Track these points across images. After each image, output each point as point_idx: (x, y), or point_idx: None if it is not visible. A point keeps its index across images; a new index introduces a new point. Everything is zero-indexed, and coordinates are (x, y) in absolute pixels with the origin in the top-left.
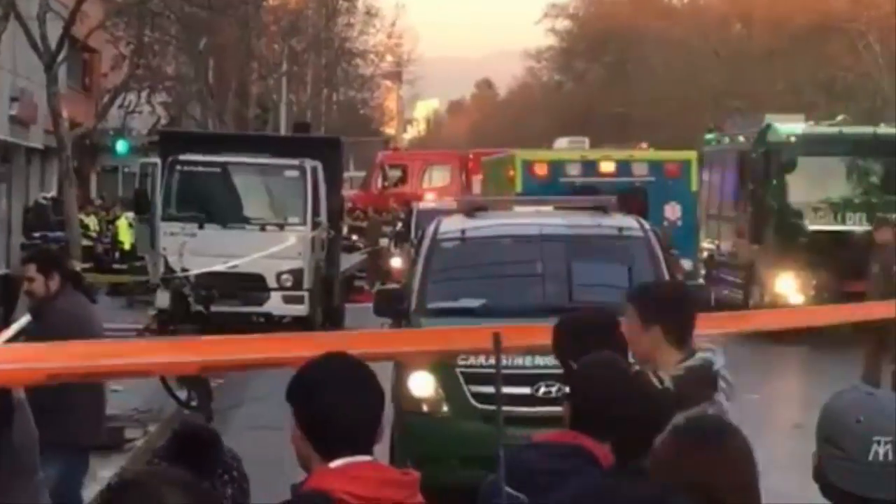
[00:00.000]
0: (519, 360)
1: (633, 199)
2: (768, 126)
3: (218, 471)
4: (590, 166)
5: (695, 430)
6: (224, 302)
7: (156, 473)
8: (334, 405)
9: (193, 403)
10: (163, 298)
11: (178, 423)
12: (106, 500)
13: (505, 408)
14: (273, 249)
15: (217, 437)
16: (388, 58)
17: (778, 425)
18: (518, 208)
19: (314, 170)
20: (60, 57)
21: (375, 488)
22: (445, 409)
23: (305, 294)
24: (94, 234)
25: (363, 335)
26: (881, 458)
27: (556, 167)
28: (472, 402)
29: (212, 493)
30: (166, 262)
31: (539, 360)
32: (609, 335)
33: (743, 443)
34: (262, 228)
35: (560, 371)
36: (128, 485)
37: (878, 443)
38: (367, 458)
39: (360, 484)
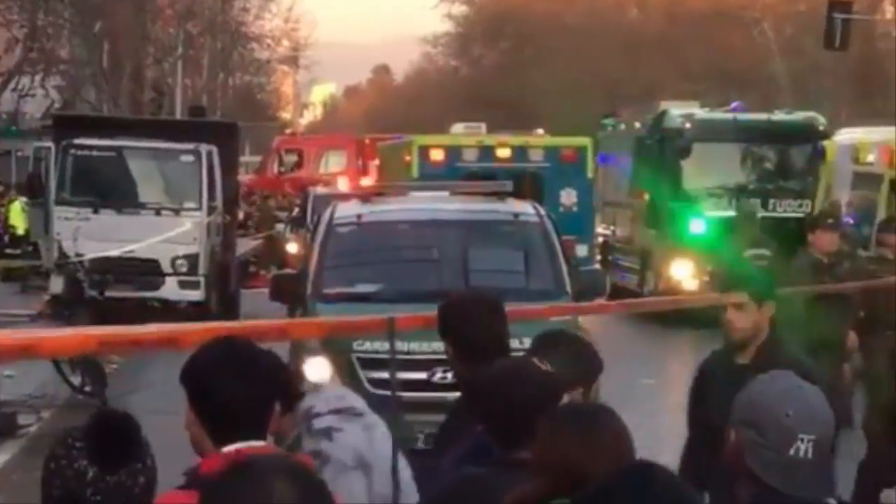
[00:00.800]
0: (415, 346)
1: (529, 185)
2: (663, 112)
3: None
4: (486, 152)
5: (570, 412)
6: (119, 287)
7: (267, 461)
8: (224, 390)
9: (87, 389)
10: (56, 284)
11: (97, 407)
12: (213, 486)
13: (400, 393)
14: (168, 234)
15: (138, 422)
16: (285, 42)
17: (672, 409)
18: (414, 193)
19: (210, 154)
20: None
21: None
22: None
23: (201, 279)
24: None
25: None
26: (801, 454)
27: (453, 152)
28: (368, 387)
29: (322, 486)
30: (60, 247)
31: (435, 346)
32: (493, 314)
33: (617, 424)
34: (158, 213)
35: None
36: (239, 472)
37: (802, 440)
38: (258, 443)
39: None
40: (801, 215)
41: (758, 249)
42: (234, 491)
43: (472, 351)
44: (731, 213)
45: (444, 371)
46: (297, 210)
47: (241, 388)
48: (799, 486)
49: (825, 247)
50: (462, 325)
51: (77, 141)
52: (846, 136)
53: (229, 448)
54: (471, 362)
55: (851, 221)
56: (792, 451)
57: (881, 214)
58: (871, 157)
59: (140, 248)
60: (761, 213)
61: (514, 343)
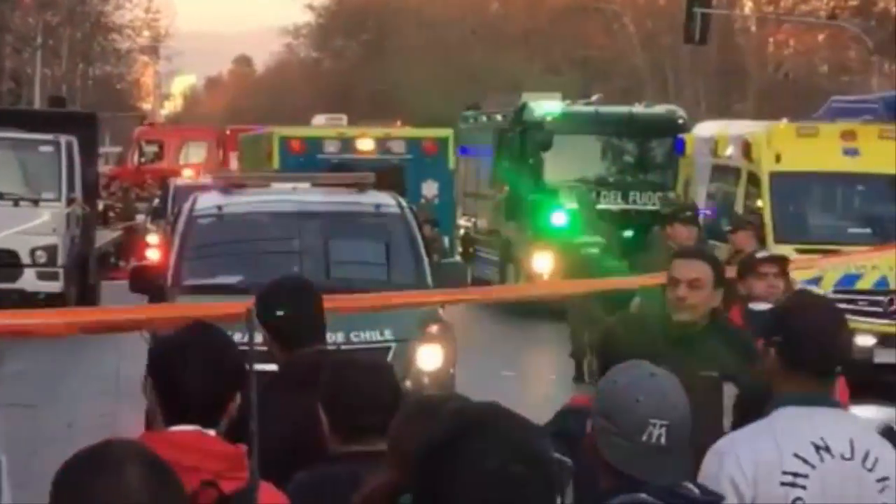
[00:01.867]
0: None
1: (391, 177)
2: (525, 105)
3: None
4: (347, 143)
5: (422, 402)
6: None
7: (125, 448)
8: (188, 381)
9: None
10: None
11: None
12: (67, 464)
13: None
14: (26, 225)
15: None
16: (146, 33)
17: (535, 400)
18: (276, 185)
19: (69, 145)
20: None
21: (197, 458)
22: None
23: (60, 271)
24: None
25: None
26: (654, 440)
27: (314, 144)
28: None
29: (175, 476)
30: None
31: None
32: (305, 300)
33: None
34: (16, 204)
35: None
36: (94, 454)
37: (654, 425)
38: (194, 427)
39: (179, 451)
40: (659, 208)
41: (592, 237)
42: (84, 471)
43: (288, 337)
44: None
45: None
46: (157, 201)
47: (203, 381)
48: (654, 473)
49: (682, 240)
50: (274, 312)
51: None
52: (705, 129)
53: (175, 429)
54: (287, 348)
55: (709, 213)
56: (644, 437)
57: (739, 207)
58: (729, 151)
59: None
60: (621, 206)
61: (375, 335)
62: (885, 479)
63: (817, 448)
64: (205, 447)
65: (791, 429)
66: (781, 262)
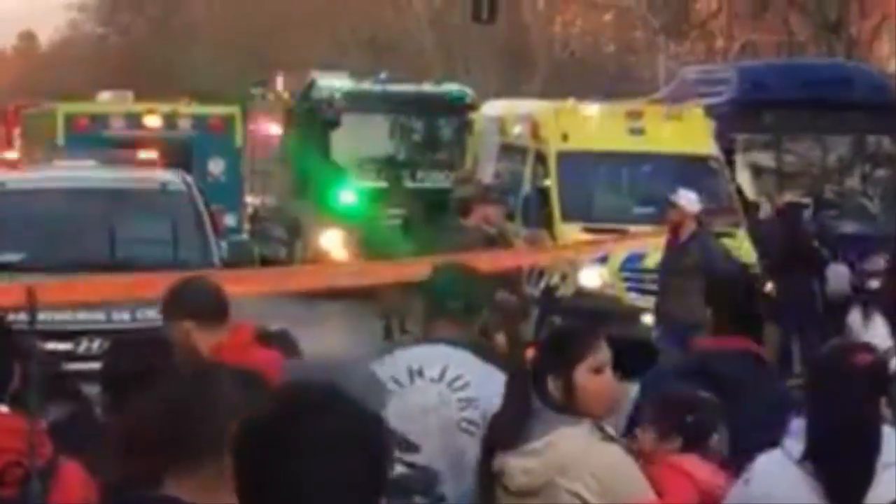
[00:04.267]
0: (59, 316)
1: (177, 154)
2: (313, 82)
3: None
4: (134, 120)
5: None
6: None
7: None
8: None
9: None
10: None
11: None
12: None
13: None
14: None
15: None
16: None
17: None
18: (59, 162)
19: None
20: None
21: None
22: None
23: None
24: None
25: None
26: None
27: (100, 120)
28: None
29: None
30: None
31: (81, 316)
32: None
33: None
34: None
35: (104, 327)
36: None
37: None
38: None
39: None
40: (446, 186)
41: (397, 210)
42: None
43: None
44: (380, 183)
45: (91, 341)
46: None
47: None
48: None
49: (493, 220)
50: None
51: None
52: (493, 108)
53: None
54: None
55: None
56: None
57: (526, 187)
58: (517, 130)
59: None
60: (409, 184)
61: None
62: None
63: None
64: (3, 425)
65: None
66: None
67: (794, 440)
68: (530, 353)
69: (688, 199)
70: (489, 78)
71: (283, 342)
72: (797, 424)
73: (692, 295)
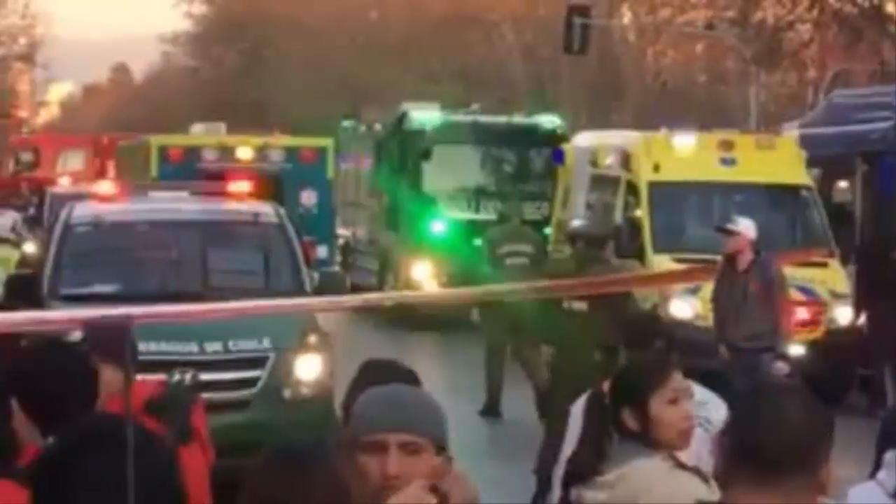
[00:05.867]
0: (153, 346)
1: (269, 186)
2: (404, 114)
3: None
4: (227, 152)
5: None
6: None
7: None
8: None
9: None
10: None
11: None
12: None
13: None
14: None
15: None
16: (21, 40)
17: None
18: (153, 194)
19: None
20: None
21: None
22: None
23: None
24: None
25: None
26: None
27: (192, 153)
28: None
29: None
30: None
31: (176, 347)
32: None
33: (337, 468)
34: None
35: (197, 358)
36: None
37: None
38: None
39: None
40: (538, 218)
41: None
42: None
43: None
44: (471, 215)
45: (182, 372)
46: (31, 209)
47: None
48: None
49: None
50: None
51: None
52: (584, 139)
53: None
54: None
55: None
56: None
57: (618, 217)
58: (608, 161)
59: None
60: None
61: (253, 344)
62: None
63: None
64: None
65: None
66: None
67: (889, 473)
68: (607, 384)
69: (746, 227)
70: (580, 109)
71: (396, 373)
72: (891, 456)
73: (754, 321)
